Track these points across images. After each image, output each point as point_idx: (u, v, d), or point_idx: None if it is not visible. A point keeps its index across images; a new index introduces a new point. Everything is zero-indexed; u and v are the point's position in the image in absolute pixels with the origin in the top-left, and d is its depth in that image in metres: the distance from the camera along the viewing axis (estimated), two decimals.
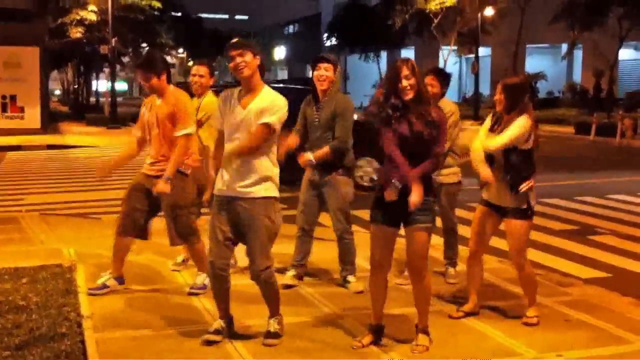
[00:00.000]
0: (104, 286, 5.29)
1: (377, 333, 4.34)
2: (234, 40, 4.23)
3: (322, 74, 5.25)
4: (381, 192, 4.24)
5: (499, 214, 4.82)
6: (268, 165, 4.19)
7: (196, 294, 5.25)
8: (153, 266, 6.10)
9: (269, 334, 4.33)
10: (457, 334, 4.53)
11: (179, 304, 5.11)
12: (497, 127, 4.77)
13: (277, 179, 4.24)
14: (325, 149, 5.27)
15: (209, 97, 5.85)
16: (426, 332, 4.29)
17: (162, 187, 5.03)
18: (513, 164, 4.66)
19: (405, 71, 4.09)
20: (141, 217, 5.31)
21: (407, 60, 4.20)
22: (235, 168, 4.18)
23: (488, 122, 4.90)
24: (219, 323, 4.38)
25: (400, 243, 4.40)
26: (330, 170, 5.37)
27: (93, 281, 5.56)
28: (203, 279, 5.34)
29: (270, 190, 4.20)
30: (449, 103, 5.68)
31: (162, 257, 6.27)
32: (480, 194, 4.91)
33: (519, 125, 4.62)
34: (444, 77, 5.63)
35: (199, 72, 5.92)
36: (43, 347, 4.14)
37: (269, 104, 4.14)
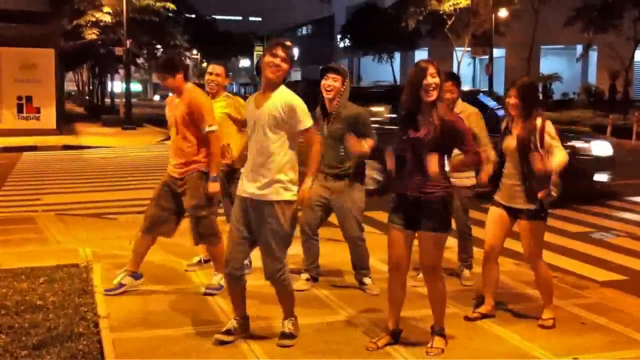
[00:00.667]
0: (120, 285, 5.32)
1: (394, 337, 4.34)
2: (286, 41, 4.26)
3: (330, 84, 5.28)
4: (398, 195, 4.24)
5: (511, 215, 4.80)
6: (283, 168, 4.18)
7: (212, 294, 5.27)
8: (169, 266, 6.12)
9: (283, 335, 4.34)
10: (472, 336, 4.51)
11: (195, 304, 5.12)
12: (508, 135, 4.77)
13: (292, 182, 4.22)
14: (369, 142, 5.21)
15: (228, 99, 5.94)
16: (442, 335, 4.28)
17: (213, 187, 5.18)
18: (532, 170, 4.64)
19: (431, 69, 4.11)
20: (168, 216, 5.36)
21: (431, 61, 4.20)
22: (251, 170, 4.22)
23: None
24: (231, 323, 4.40)
25: (415, 245, 4.40)
26: (342, 177, 5.37)
27: (109, 281, 5.59)
28: (219, 279, 5.36)
29: (281, 193, 4.17)
30: (468, 105, 5.75)
31: (178, 258, 6.29)
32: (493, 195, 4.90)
33: (554, 130, 4.67)
34: (459, 81, 5.71)
35: (215, 70, 5.95)
36: (60, 347, 4.17)
37: (283, 105, 4.14)
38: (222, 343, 4.28)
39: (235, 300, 4.42)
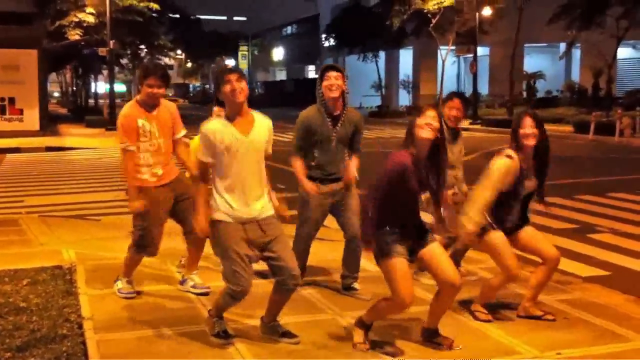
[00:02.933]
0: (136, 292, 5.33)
1: (368, 329, 4.34)
2: (231, 67, 4.34)
3: (333, 82, 5.11)
4: (403, 227, 4.12)
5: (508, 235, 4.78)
6: (266, 186, 4.33)
7: (206, 294, 5.28)
8: (153, 267, 6.09)
9: (286, 334, 4.36)
10: (457, 333, 4.52)
11: (180, 304, 5.11)
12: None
13: None
14: (356, 162, 5.33)
15: None
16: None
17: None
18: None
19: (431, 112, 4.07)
20: (162, 232, 5.34)
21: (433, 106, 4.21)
22: (251, 191, 4.20)
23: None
24: (224, 324, 4.38)
25: None
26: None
27: (93, 283, 5.57)
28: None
29: (271, 208, 4.35)
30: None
31: (162, 258, 6.25)
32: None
33: None
34: (467, 102, 5.78)
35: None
36: (44, 349, 4.15)
37: (268, 131, 4.29)
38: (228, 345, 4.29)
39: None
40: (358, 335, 4.30)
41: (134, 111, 5.15)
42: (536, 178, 4.73)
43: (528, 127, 4.57)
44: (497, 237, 4.67)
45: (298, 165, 5.26)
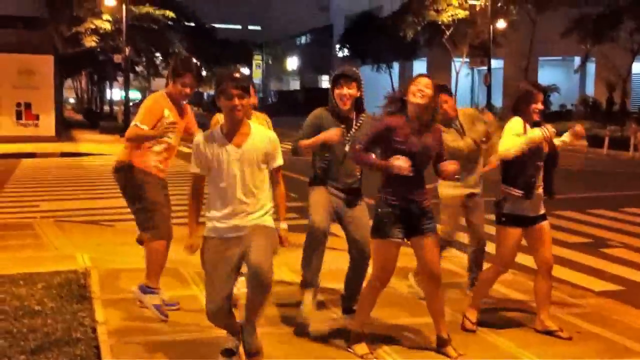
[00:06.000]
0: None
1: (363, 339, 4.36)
2: (237, 74, 3.96)
3: (345, 92, 4.77)
4: (393, 208, 4.17)
5: (524, 227, 4.74)
6: (267, 203, 4.06)
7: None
8: (167, 272, 6.11)
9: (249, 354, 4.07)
10: (468, 344, 4.53)
11: (193, 310, 5.13)
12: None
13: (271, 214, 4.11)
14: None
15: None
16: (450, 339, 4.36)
17: None
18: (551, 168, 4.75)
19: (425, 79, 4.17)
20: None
21: (426, 75, 4.28)
22: (241, 206, 3.97)
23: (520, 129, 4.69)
24: (232, 342, 4.13)
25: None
26: (359, 195, 4.95)
27: (107, 288, 5.61)
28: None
29: (270, 221, 4.06)
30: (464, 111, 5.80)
31: (176, 265, 6.28)
32: (500, 211, 4.73)
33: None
34: (451, 93, 5.69)
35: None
36: (58, 352, 4.19)
37: (267, 143, 4.01)
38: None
39: (230, 328, 4.13)
40: (361, 348, 4.30)
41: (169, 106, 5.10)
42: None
43: (542, 102, 4.69)
44: (510, 234, 4.71)
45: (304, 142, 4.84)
